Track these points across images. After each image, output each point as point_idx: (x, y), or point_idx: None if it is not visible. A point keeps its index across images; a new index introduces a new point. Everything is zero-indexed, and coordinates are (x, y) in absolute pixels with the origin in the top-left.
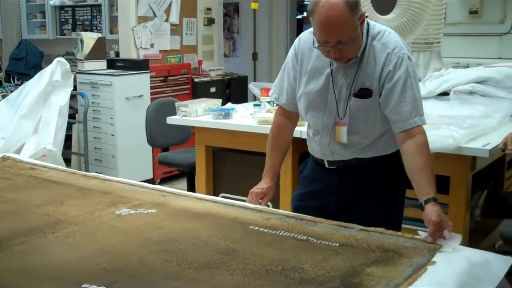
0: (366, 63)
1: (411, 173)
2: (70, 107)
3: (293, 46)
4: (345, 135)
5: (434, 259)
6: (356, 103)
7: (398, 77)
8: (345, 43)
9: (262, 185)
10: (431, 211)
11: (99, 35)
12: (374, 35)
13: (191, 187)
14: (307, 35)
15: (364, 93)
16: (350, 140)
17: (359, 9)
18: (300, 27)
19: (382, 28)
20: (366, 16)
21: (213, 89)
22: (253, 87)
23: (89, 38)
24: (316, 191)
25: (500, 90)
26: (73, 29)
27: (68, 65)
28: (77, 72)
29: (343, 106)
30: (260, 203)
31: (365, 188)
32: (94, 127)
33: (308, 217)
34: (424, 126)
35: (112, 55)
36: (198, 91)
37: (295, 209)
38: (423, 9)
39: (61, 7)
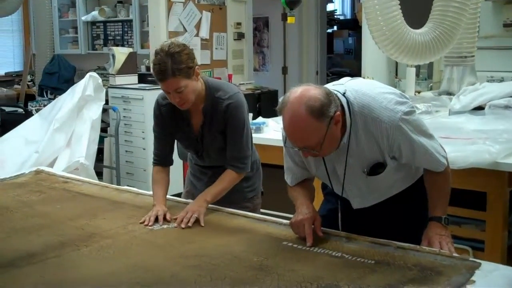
0: (365, 140)
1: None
2: (102, 121)
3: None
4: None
5: (473, 278)
6: (372, 178)
7: (405, 143)
8: (312, 148)
9: (304, 211)
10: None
11: (130, 50)
12: (360, 110)
13: None
14: None
15: (377, 168)
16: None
17: (327, 114)
18: (330, 41)
19: (363, 97)
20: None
21: None
22: None
23: (121, 53)
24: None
25: None
26: (105, 44)
27: (100, 80)
28: (108, 87)
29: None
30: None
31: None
32: (125, 140)
33: (343, 233)
34: (460, 141)
35: (143, 69)
36: None
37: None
38: (457, 22)
39: (93, 23)
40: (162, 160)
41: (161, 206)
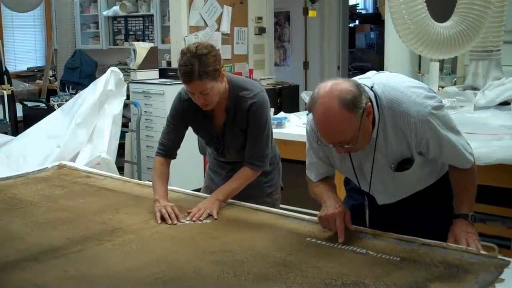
0: (393, 135)
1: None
2: (123, 116)
3: (311, 130)
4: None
5: (502, 276)
6: (398, 174)
7: (433, 138)
8: (348, 142)
9: (334, 204)
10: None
11: (152, 45)
12: (388, 104)
13: None
14: None
15: (405, 164)
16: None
17: (359, 106)
18: (352, 35)
19: (391, 91)
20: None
21: None
22: (306, 96)
23: (142, 48)
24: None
25: None
26: (126, 39)
27: (121, 75)
28: (130, 82)
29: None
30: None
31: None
32: (146, 135)
33: (367, 229)
34: (485, 137)
35: (163, 64)
36: None
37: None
38: (482, 16)
39: (114, 18)
40: (168, 151)
41: (164, 201)
